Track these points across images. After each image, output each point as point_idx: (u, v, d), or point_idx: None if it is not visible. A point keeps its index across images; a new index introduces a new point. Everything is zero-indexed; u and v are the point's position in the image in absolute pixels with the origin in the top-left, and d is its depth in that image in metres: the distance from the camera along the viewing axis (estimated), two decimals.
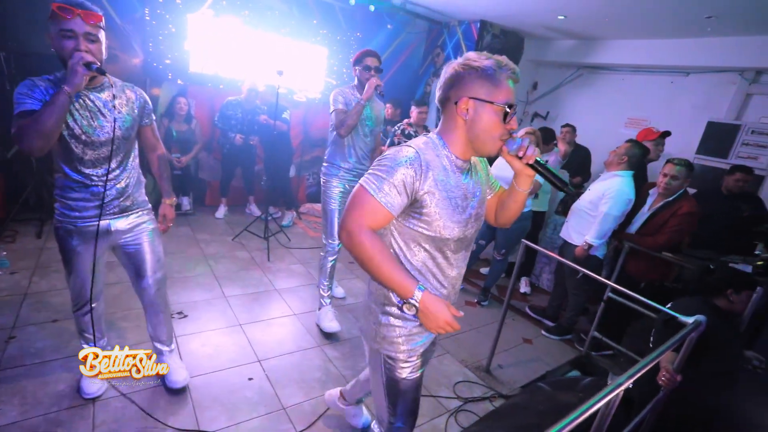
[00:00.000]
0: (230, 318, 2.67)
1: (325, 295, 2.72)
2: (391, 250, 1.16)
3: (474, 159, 1.22)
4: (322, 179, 2.67)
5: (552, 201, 3.89)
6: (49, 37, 1.40)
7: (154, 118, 1.76)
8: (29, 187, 3.45)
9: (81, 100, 1.48)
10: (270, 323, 2.70)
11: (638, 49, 4.39)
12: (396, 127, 3.86)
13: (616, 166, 2.78)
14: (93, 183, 1.57)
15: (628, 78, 4.82)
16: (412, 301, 1.02)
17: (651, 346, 2.04)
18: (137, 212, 1.75)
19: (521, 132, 1.17)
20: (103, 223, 1.62)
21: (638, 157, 2.78)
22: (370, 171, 1.07)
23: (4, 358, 2.02)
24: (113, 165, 1.60)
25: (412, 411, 1.32)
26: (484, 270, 4.08)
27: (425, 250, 1.14)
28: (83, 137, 1.50)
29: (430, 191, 1.06)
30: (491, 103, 1.04)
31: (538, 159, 1.09)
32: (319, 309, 2.73)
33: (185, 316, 2.60)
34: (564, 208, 3.33)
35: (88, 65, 1.35)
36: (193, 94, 4.24)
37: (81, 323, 1.85)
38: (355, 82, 2.55)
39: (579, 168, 4.11)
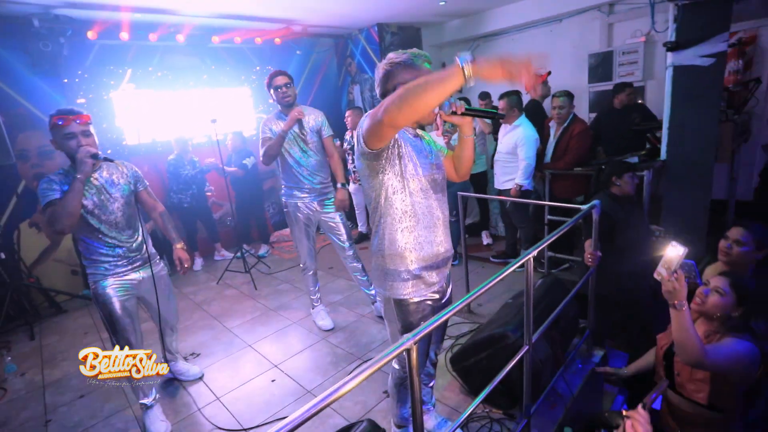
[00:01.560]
0: (239, 343, 2.94)
1: (314, 297, 3.05)
2: (382, 213, 1.38)
3: (419, 132, 1.48)
4: (283, 204, 2.87)
5: (488, 160, 4.42)
6: (53, 142, 1.81)
7: (147, 183, 2.13)
8: (7, 298, 3.55)
9: (87, 184, 1.87)
10: (275, 336, 3.00)
11: (517, 11, 5.01)
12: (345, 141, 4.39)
13: (512, 119, 3.31)
14: (116, 244, 1.96)
15: (517, 37, 5.45)
16: (463, 63, 0.99)
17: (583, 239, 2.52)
18: (155, 261, 2.14)
19: (437, 109, 1.35)
20: (131, 274, 2.03)
21: (519, 101, 3.33)
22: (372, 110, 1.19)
23: None
24: (124, 226, 1.99)
25: (425, 354, 1.55)
26: None
27: (411, 194, 1.34)
28: (96, 211, 1.89)
29: (402, 147, 1.31)
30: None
31: (467, 106, 1.34)
32: (312, 309, 3.06)
33: (198, 355, 2.85)
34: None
35: (94, 156, 1.78)
36: (136, 165, 4.42)
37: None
38: (279, 107, 2.68)
39: None
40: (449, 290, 1.63)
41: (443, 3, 4.61)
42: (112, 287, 1.98)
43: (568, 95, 3.20)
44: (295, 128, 2.65)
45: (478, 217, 4.66)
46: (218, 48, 4.87)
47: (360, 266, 2.95)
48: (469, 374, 2.08)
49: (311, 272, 2.98)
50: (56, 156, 4.01)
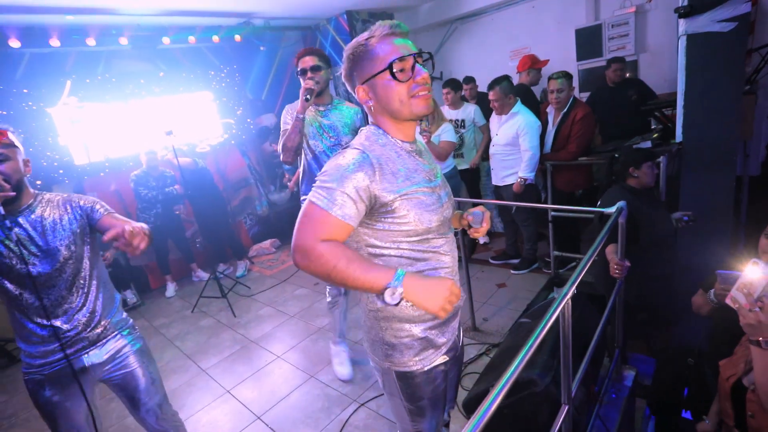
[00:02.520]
0: (215, 389, 2.56)
1: (338, 338, 2.46)
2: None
3: (418, 137, 1.14)
4: None
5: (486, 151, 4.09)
6: None
7: (106, 206, 1.46)
8: None
9: (5, 230, 1.26)
10: (257, 376, 2.62)
11: None
12: None
13: (508, 108, 2.96)
14: (45, 319, 1.34)
15: (496, 16, 5.08)
16: (393, 285, 0.86)
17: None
18: (114, 336, 1.48)
19: None
20: (74, 361, 1.39)
21: (512, 86, 2.98)
22: (316, 183, 0.94)
23: None
24: (64, 292, 1.36)
25: (439, 424, 1.24)
26: None
27: (409, 243, 1.01)
28: (13, 271, 1.28)
29: (393, 190, 0.95)
30: (375, 75, 0.96)
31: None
32: (333, 345, 2.51)
33: None
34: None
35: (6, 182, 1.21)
36: (91, 187, 3.97)
37: None
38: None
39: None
40: (461, 339, 1.28)
41: None
42: (45, 383, 1.38)
43: (566, 76, 2.85)
44: (323, 119, 2.13)
45: None
46: (171, 49, 4.38)
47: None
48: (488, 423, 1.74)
49: (341, 309, 2.35)
50: None
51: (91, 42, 3.53)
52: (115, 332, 1.49)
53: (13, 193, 1.25)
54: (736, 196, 3.13)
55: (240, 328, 3.27)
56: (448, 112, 3.77)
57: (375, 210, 0.96)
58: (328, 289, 2.34)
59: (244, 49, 4.87)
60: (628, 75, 3.92)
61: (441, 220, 1.03)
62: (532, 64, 3.54)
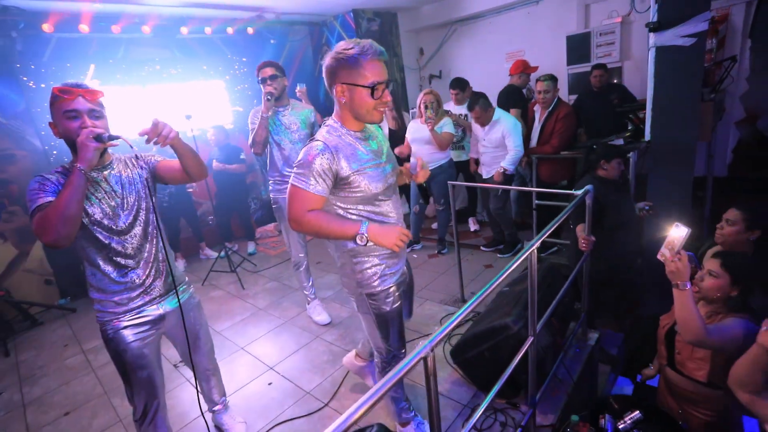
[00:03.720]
0: (230, 347, 2.86)
1: (308, 293, 2.99)
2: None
3: (370, 127, 1.48)
4: (271, 198, 2.80)
5: None
6: (53, 125, 1.37)
7: (154, 150, 1.57)
8: None
9: (96, 184, 1.42)
10: (267, 337, 2.92)
11: None
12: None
13: (489, 118, 3.37)
14: (130, 268, 1.48)
15: (494, 20, 5.40)
16: (362, 232, 1.30)
17: (571, 225, 2.54)
18: (182, 287, 1.65)
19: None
20: (153, 309, 1.54)
21: (486, 101, 3.35)
22: (294, 170, 1.32)
23: None
24: (140, 242, 1.49)
25: (401, 335, 1.63)
26: (435, 225, 4.51)
27: (357, 209, 1.40)
28: (105, 221, 1.42)
29: (347, 168, 1.31)
30: (358, 86, 1.28)
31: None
32: (308, 304, 3.01)
33: None
34: None
35: (98, 137, 1.30)
36: None
37: (151, 429, 1.63)
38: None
39: None
40: (410, 271, 1.73)
41: None
42: (128, 330, 1.50)
43: (552, 79, 3.18)
44: (283, 118, 2.63)
45: (465, 203, 4.65)
46: (188, 39, 4.63)
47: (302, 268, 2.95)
48: (470, 366, 2.07)
49: (303, 267, 2.93)
50: (18, 160, 3.77)
51: (116, 29, 3.78)
52: (181, 284, 1.66)
53: (115, 143, 1.37)
54: (701, 193, 3.50)
55: (249, 299, 3.56)
56: (453, 107, 4.12)
57: (337, 183, 1.35)
58: (292, 254, 2.85)
59: (254, 42, 5.12)
60: (615, 81, 4.27)
61: (385, 186, 1.42)
62: (524, 69, 3.87)
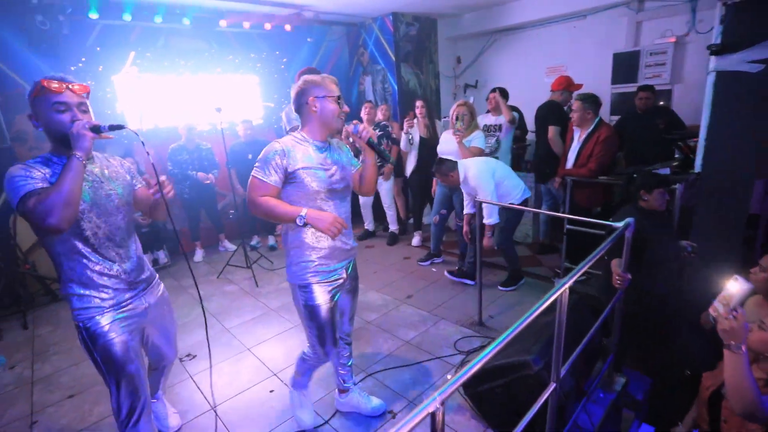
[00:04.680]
0: (237, 346, 2.81)
1: None
2: None
3: (336, 142, 1.75)
4: None
5: (514, 160, 4.26)
6: (35, 116, 1.36)
7: (141, 179, 1.69)
8: (0, 284, 3.43)
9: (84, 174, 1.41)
10: (275, 340, 2.86)
11: (539, 5, 4.79)
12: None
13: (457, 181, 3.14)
14: (117, 261, 1.48)
15: (537, 32, 5.22)
16: (301, 215, 1.53)
17: (606, 257, 2.35)
18: (156, 281, 1.70)
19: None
20: (138, 302, 1.55)
21: (450, 163, 3.12)
22: (256, 164, 1.58)
23: None
24: (124, 236, 1.52)
25: (327, 338, 1.74)
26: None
27: (300, 203, 1.60)
28: (93, 213, 1.41)
29: (295, 165, 1.57)
30: (327, 96, 1.60)
31: (371, 139, 1.68)
32: None
33: (194, 357, 2.72)
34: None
35: (95, 128, 1.33)
36: (139, 151, 4.29)
37: (143, 407, 1.58)
38: None
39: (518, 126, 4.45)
40: (352, 279, 1.87)
41: None
42: (115, 323, 1.47)
43: (589, 99, 3.01)
44: None
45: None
46: (226, 32, 4.68)
47: None
48: (481, 400, 1.93)
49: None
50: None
51: (158, 19, 3.84)
52: (155, 277, 1.70)
53: (110, 137, 1.39)
54: (753, 234, 3.22)
55: (261, 297, 3.52)
56: (486, 117, 3.97)
57: (287, 177, 1.59)
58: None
59: (291, 39, 5.12)
60: (662, 103, 4.02)
61: (328, 188, 1.63)
62: (567, 86, 3.67)
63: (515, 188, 3.10)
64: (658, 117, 3.64)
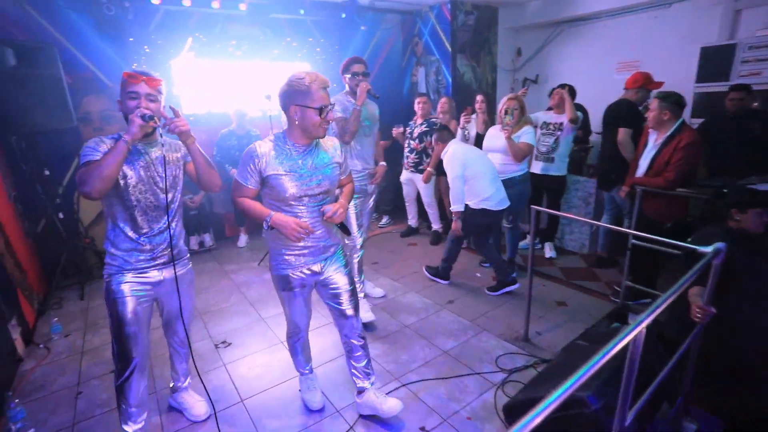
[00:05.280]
0: (271, 338, 2.79)
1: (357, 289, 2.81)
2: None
3: (325, 146, 1.78)
4: None
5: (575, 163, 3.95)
6: (119, 101, 1.61)
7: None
8: (63, 255, 3.65)
9: (141, 156, 1.65)
10: (310, 336, 2.79)
11: None
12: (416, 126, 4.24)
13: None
14: (144, 233, 1.69)
15: (610, 23, 4.75)
16: (267, 219, 1.64)
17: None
18: (182, 261, 1.86)
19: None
20: (152, 273, 1.73)
21: (448, 133, 3.30)
22: (239, 165, 1.68)
23: (77, 412, 2.19)
24: (161, 214, 1.72)
25: (296, 320, 1.98)
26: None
27: (276, 204, 1.70)
28: (139, 186, 1.63)
29: (269, 170, 1.63)
30: (306, 107, 1.60)
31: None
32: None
33: (229, 344, 2.73)
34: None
35: (143, 117, 1.53)
36: (198, 131, 4.39)
37: (124, 391, 1.73)
38: (347, 89, 2.70)
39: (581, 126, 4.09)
40: (328, 270, 1.88)
41: None
42: (128, 285, 1.67)
43: (669, 98, 2.63)
44: (364, 112, 2.67)
45: (544, 224, 4.16)
46: (279, 19, 4.65)
47: (355, 262, 2.86)
48: None
49: (356, 255, 2.88)
50: (117, 120, 4.04)
51: (215, 5, 3.87)
52: (183, 258, 1.87)
53: (156, 125, 1.58)
54: None
55: None
56: (547, 114, 3.70)
57: (263, 180, 1.66)
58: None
59: (345, 27, 5.01)
60: (756, 105, 3.50)
61: (299, 193, 1.67)
62: (645, 83, 3.25)
63: (484, 192, 3.10)
64: (754, 121, 3.16)
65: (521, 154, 3.24)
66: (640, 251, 2.80)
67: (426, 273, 3.64)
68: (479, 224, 3.20)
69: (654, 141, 2.82)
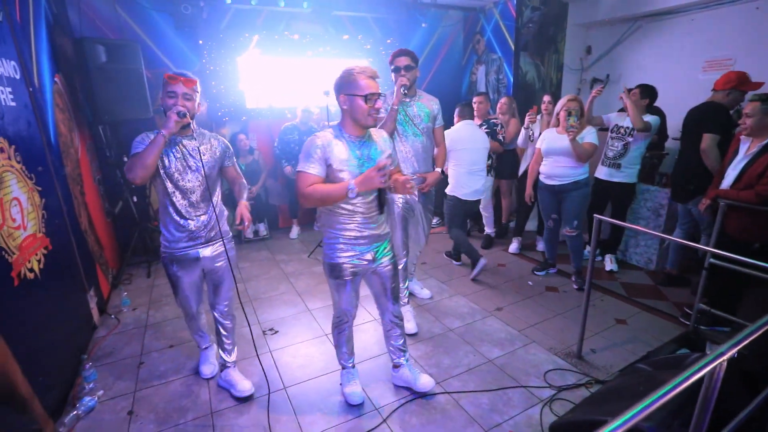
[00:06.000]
0: (316, 329, 2.84)
1: (401, 296, 2.78)
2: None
3: (375, 136, 1.82)
4: None
5: (646, 171, 3.68)
6: (160, 99, 1.83)
7: (235, 160, 2.11)
8: (135, 235, 3.98)
9: (176, 146, 1.87)
10: (355, 331, 2.79)
11: None
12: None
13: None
14: (182, 216, 1.93)
15: (699, 17, 4.29)
16: (351, 187, 1.63)
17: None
18: (221, 241, 2.07)
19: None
20: (192, 251, 2.00)
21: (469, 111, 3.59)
22: (300, 160, 1.71)
23: (138, 380, 2.37)
24: (198, 199, 1.95)
25: (343, 304, 1.98)
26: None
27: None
28: (175, 175, 1.87)
29: (332, 158, 1.69)
30: (355, 95, 1.64)
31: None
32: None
33: (276, 332, 2.82)
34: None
35: (179, 113, 1.73)
36: (253, 129, 4.61)
37: (191, 328, 2.35)
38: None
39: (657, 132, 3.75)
40: (379, 259, 1.93)
41: None
42: (173, 258, 2.00)
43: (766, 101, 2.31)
44: (409, 109, 2.56)
45: (607, 234, 3.88)
46: (342, 17, 4.73)
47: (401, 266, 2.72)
48: None
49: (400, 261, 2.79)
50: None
51: (281, 4, 4.01)
52: (220, 239, 2.07)
53: (189, 121, 1.79)
54: None
55: None
56: (620, 116, 3.51)
57: (328, 168, 1.71)
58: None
59: (406, 24, 4.99)
60: None
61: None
62: (739, 84, 2.88)
63: (459, 179, 3.51)
64: None
65: (586, 155, 3.07)
66: (720, 272, 2.51)
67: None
68: (452, 210, 3.61)
69: (746, 150, 2.51)
